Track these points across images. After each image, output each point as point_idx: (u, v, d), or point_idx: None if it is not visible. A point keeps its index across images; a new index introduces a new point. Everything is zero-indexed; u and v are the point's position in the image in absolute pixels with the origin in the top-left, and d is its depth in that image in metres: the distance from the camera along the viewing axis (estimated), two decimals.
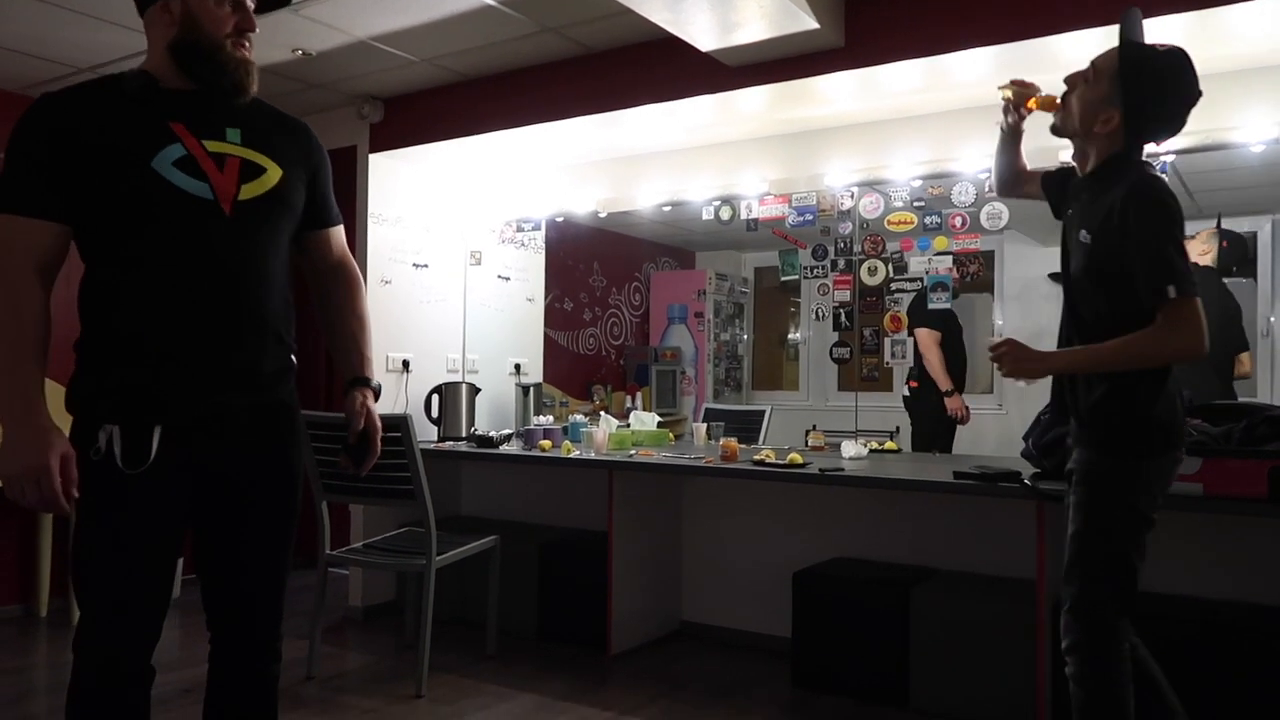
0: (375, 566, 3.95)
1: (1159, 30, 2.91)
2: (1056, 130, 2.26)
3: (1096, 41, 2.99)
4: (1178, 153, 3.37)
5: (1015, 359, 2.16)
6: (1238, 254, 3.88)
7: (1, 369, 1.62)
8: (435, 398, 4.58)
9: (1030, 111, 2.44)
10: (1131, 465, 2.08)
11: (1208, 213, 5.77)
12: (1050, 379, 2.31)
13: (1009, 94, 2.47)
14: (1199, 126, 3.25)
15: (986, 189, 3.71)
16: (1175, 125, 2.15)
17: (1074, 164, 2.32)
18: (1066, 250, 2.27)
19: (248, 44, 1.78)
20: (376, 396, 1.99)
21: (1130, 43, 2.14)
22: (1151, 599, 3.00)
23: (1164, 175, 3.40)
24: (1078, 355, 2.16)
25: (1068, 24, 2.95)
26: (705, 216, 4.41)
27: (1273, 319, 6.10)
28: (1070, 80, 2.23)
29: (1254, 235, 6.05)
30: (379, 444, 1.95)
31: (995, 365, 2.22)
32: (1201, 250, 3.90)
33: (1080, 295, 2.18)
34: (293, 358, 1.89)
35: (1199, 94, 2.10)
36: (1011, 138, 2.57)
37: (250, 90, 1.80)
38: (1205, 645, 2.74)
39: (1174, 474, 2.13)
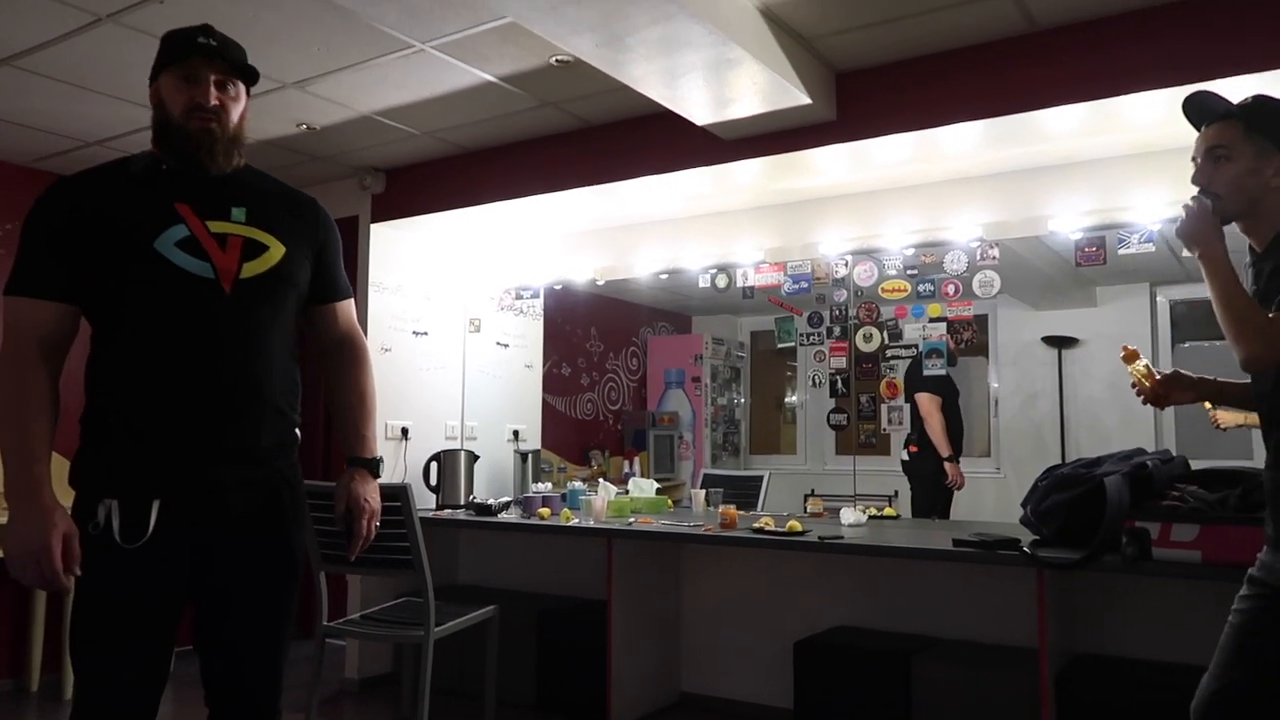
0: (373, 638, 3.90)
1: (1143, 102, 3.00)
2: (1223, 216, 1.98)
3: (1078, 115, 3.09)
4: (1167, 221, 3.44)
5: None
6: None
7: (9, 449, 1.65)
8: (434, 465, 4.58)
9: (1146, 374, 2.24)
10: None
11: (1196, 276, 5.84)
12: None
13: (1135, 372, 2.26)
14: (1184, 196, 3.35)
15: (978, 257, 3.77)
16: None
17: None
18: None
19: (208, 116, 1.79)
20: (374, 475, 1.99)
21: (1250, 100, 2.01)
22: (1152, 668, 2.98)
23: (1151, 245, 3.47)
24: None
25: (1051, 100, 3.04)
26: (702, 285, 4.47)
27: None
28: (1200, 179, 2.01)
29: None
30: (367, 527, 1.94)
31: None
32: None
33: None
34: (296, 431, 1.90)
35: None
36: (1204, 391, 2.26)
37: (214, 164, 1.81)
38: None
39: None
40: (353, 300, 2.09)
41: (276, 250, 1.84)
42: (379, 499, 1.99)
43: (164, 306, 1.72)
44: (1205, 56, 2.82)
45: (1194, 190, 2.04)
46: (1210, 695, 1.90)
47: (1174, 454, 3.54)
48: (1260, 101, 1.98)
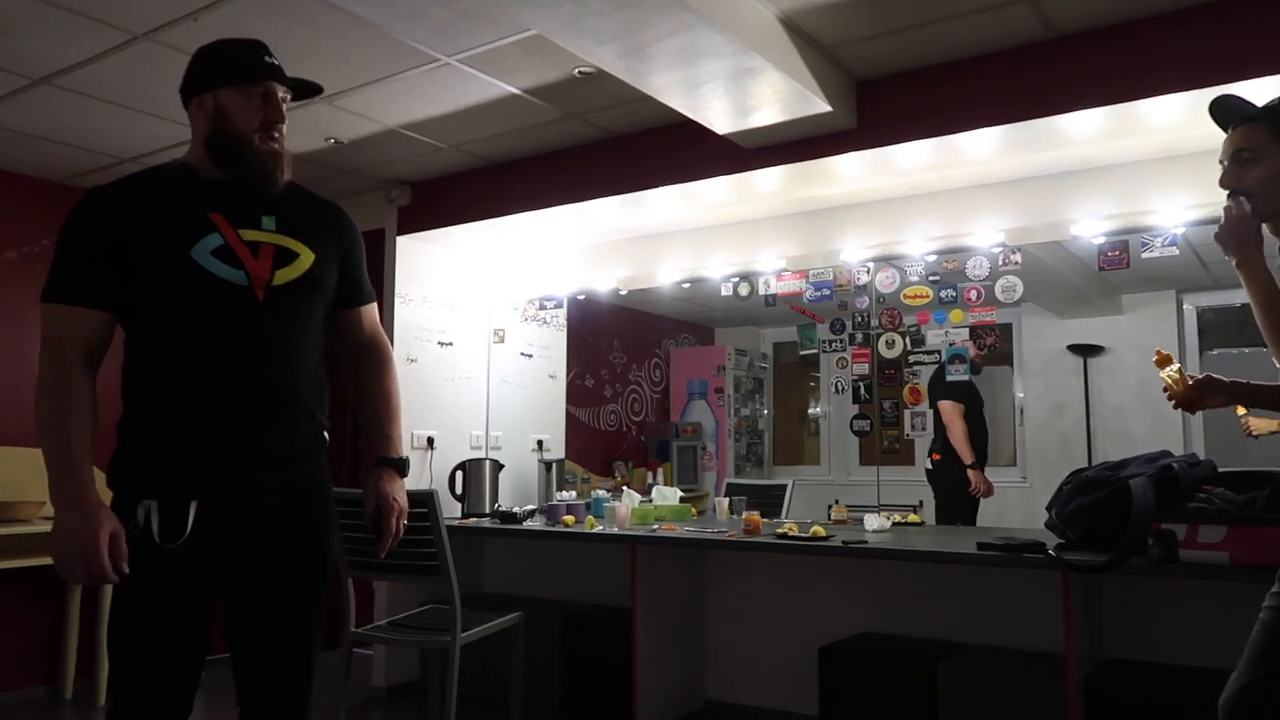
0: (401, 644, 3.94)
1: (1163, 105, 3.01)
2: (1262, 217, 2.02)
3: (1099, 119, 3.10)
4: (1189, 225, 3.43)
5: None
6: None
7: (53, 453, 1.69)
8: (459, 474, 4.62)
9: (1179, 379, 2.24)
10: None
11: (1223, 284, 5.81)
12: None
13: (1168, 377, 2.26)
14: (1207, 199, 3.34)
15: (1000, 262, 3.78)
16: None
17: None
18: None
19: (277, 135, 1.86)
20: (402, 474, 2.03)
21: (1275, 102, 2.03)
22: (1182, 672, 2.96)
23: (1175, 249, 3.46)
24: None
25: (1071, 104, 3.05)
26: (724, 293, 4.49)
27: None
28: (1228, 181, 2.05)
29: None
30: (395, 525, 1.97)
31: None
32: None
33: None
34: (325, 434, 1.95)
35: None
36: (1236, 395, 2.25)
37: (278, 182, 1.88)
38: None
39: None
40: (376, 305, 2.13)
41: (306, 257, 1.88)
42: (406, 498, 2.02)
43: (201, 313, 1.76)
44: (1227, 58, 2.83)
45: (1220, 193, 2.05)
46: (1237, 692, 1.89)
47: (1201, 458, 3.52)
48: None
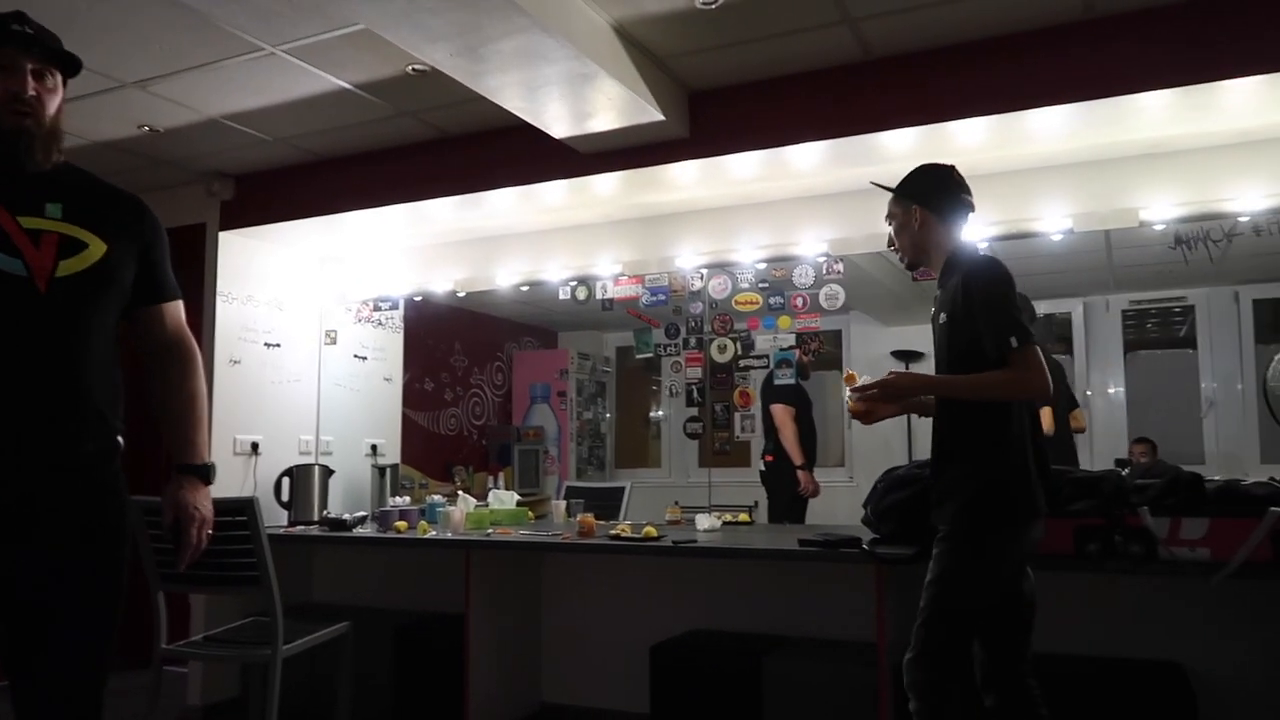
0: (216, 659, 3.74)
1: (967, 128, 3.23)
2: (912, 268, 2.63)
3: (911, 138, 3.30)
4: (991, 240, 3.69)
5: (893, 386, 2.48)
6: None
7: None
8: (286, 480, 4.44)
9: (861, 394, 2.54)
10: None
11: (1027, 295, 6.29)
12: None
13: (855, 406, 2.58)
14: (1006, 216, 3.61)
15: (824, 271, 3.95)
16: (949, 193, 2.53)
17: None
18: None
19: (27, 110, 1.72)
20: (206, 481, 1.93)
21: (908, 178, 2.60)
22: None
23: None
24: (936, 380, 2.49)
25: (885, 123, 3.23)
26: (562, 296, 4.50)
27: (1089, 392, 6.65)
28: (894, 238, 2.62)
29: (1068, 316, 6.63)
30: (197, 535, 1.88)
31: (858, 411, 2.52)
32: None
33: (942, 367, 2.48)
34: (119, 439, 1.82)
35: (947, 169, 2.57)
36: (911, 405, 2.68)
37: (34, 159, 1.74)
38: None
39: None
40: (181, 302, 2.00)
41: (97, 248, 1.77)
42: (211, 507, 1.92)
43: None
44: (1030, 85, 3.06)
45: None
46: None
47: None
48: (909, 174, 2.58)
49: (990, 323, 2.28)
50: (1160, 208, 3.41)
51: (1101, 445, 6.34)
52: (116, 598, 1.80)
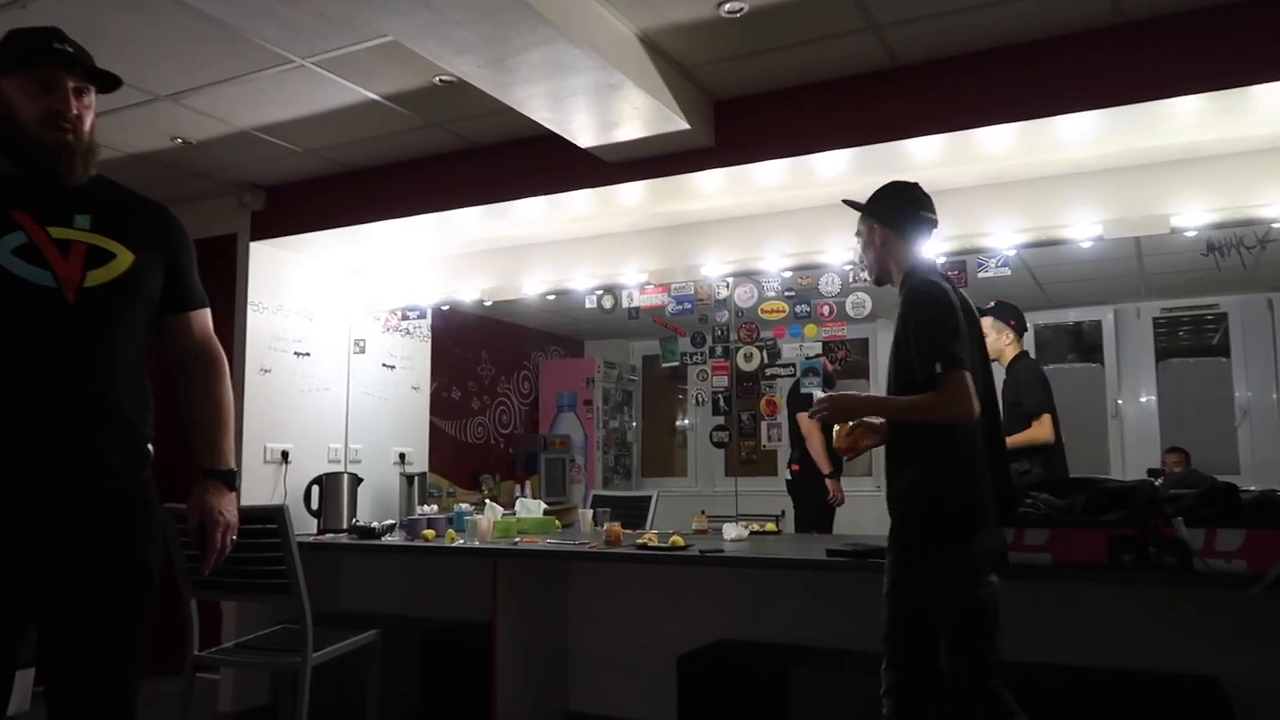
0: (247, 666, 3.78)
1: (995, 135, 3.21)
2: (879, 283, 2.69)
3: (938, 145, 3.28)
4: (1020, 247, 3.66)
5: (836, 406, 2.55)
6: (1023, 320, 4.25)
7: None
8: (315, 489, 4.48)
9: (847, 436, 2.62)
10: None
11: (1056, 303, 6.23)
12: None
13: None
14: (1035, 224, 3.57)
15: (851, 279, 3.94)
16: (909, 211, 2.58)
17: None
18: None
19: (67, 126, 1.75)
20: (230, 487, 1.94)
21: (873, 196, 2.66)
22: (1005, 667, 3.13)
23: (1008, 269, 3.69)
24: (876, 401, 2.59)
25: (911, 130, 3.22)
26: (588, 305, 4.52)
27: (1120, 401, 6.56)
28: (862, 254, 2.71)
29: (1098, 324, 6.55)
30: (222, 541, 1.89)
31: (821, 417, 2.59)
32: (1006, 341, 4.16)
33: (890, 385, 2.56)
34: (149, 447, 1.84)
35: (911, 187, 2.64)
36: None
37: (69, 176, 1.77)
38: (1060, 712, 2.87)
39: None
40: (209, 310, 2.02)
41: (125, 258, 1.79)
42: (235, 512, 1.93)
43: (2, 316, 1.66)
44: (1052, 91, 3.04)
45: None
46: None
47: (1030, 468, 3.76)
48: (875, 191, 2.63)
49: (920, 348, 2.36)
50: (1192, 214, 3.38)
51: (1133, 455, 6.24)
52: (146, 605, 1.81)
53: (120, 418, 1.76)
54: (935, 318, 2.37)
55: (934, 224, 2.60)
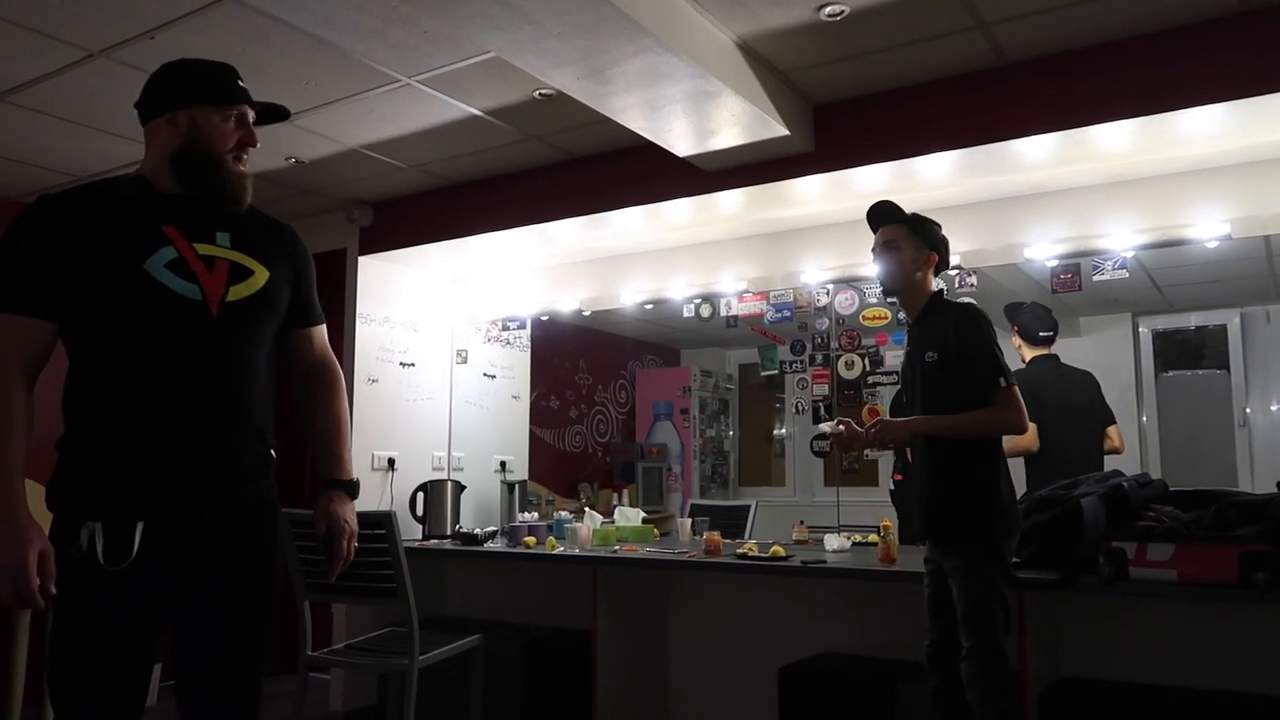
0: (357, 667, 3.88)
1: (1111, 132, 3.08)
2: (887, 289, 2.87)
3: (1050, 144, 3.17)
4: (1139, 248, 3.50)
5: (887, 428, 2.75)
6: (1046, 323, 4.07)
7: None
8: (420, 496, 4.59)
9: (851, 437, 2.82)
10: None
11: (1177, 306, 5.93)
12: None
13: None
14: (1156, 224, 3.41)
15: (956, 284, 3.83)
16: (948, 250, 2.84)
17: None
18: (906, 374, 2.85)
19: (246, 157, 1.88)
20: (352, 496, 2.00)
21: (910, 213, 2.85)
22: (1134, 689, 2.98)
23: (1125, 272, 3.55)
24: (933, 421, 2.67)
25: (1021, 130, 3.11)
26: (686, 314, 4.51)
27: (1248, 410, 6.20)
28: (878, 269, 2.86)
29: (1223, 328, 6.21)
30: (347, 547, 1.95)
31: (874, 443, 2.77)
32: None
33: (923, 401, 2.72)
34: (272, 453, 1.92)
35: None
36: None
37: (245, 202, 1.89)
38: None
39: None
40: (326, 326, 2.11)
41: (261, 275, 1.87)
42: (357, 520, 2.00)
43: (153, 328, 1.74)
44: (1174, 87, 2.90)
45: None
46: (931, 645, 2.72)
47: (1154, 478, 3.57)
48: (920, 218, 2.82)
49: (983, 365, 2.58)
50: None
51: (1264, 467, 5.88)
52: (272, 605, 1.89)
53: (252, 426, 1.84)
54: (993, 338, 2.63)
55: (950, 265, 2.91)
